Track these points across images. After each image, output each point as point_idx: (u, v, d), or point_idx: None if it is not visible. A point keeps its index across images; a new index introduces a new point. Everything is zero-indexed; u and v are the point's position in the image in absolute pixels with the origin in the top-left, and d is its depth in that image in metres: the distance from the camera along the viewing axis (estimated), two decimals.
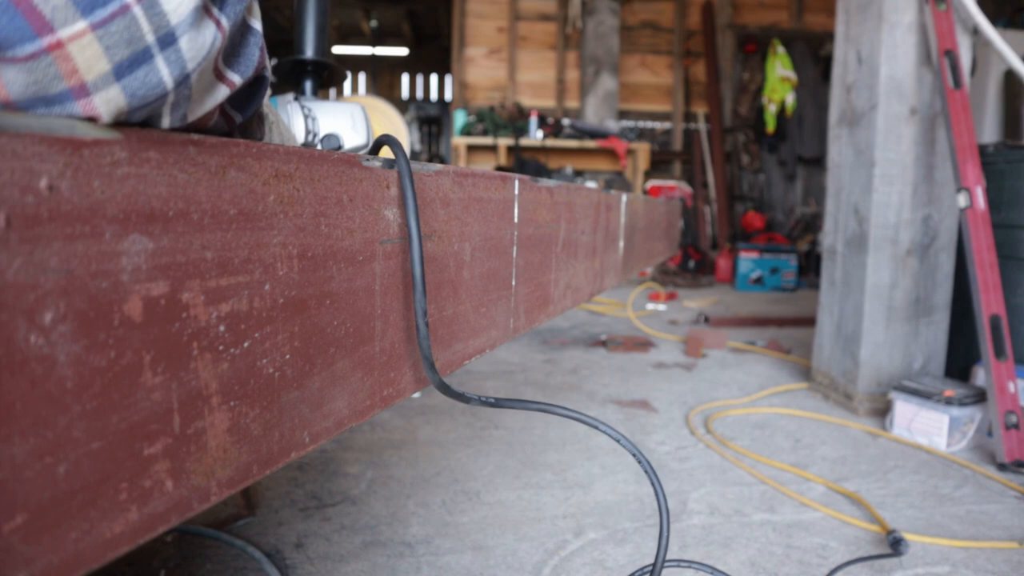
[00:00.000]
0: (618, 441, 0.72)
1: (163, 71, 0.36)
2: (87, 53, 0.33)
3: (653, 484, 0.73)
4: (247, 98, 0.49)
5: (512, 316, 0.88)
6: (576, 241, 1.15)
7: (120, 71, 0.35)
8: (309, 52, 1.03)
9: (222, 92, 0.43)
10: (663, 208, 2.30)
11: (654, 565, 0.77)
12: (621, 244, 1.53)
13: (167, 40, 0.35)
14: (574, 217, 1.13)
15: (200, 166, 0.39)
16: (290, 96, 0.96)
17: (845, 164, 2.33)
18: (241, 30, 0.44)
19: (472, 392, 0.70)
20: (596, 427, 0.72)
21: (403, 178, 0.57)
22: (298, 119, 0.91)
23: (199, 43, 0.37)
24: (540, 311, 0.99)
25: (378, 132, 1.05)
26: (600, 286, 1.36)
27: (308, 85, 1.03)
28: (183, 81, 0.37)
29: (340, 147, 0.93)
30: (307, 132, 0.92)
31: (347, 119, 0.95)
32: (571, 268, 1.13)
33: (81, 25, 0.33)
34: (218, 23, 0.39)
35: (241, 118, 0.48)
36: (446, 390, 0.63)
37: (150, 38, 0.35)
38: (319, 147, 0.93)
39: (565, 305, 1.12)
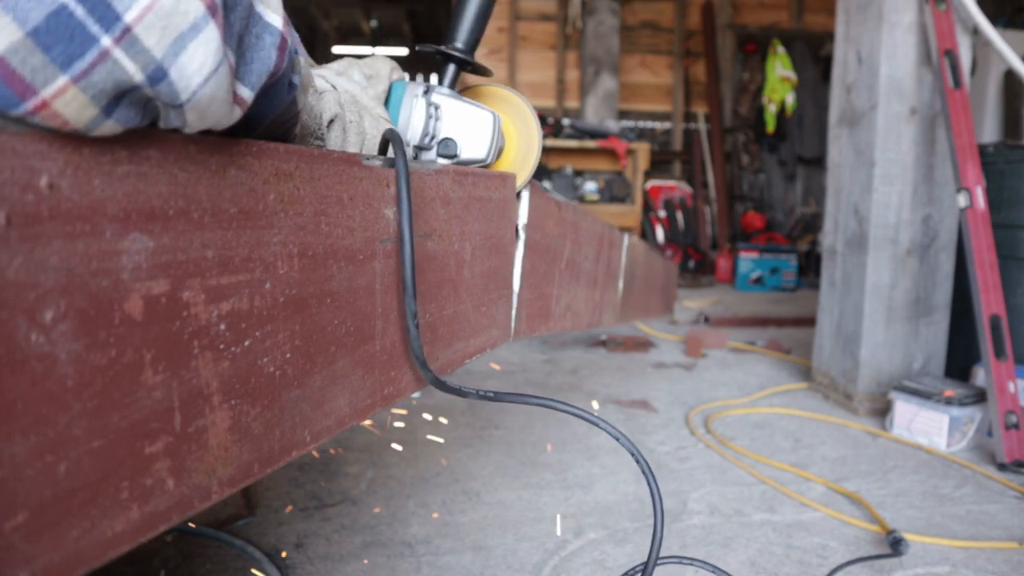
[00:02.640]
0: (617, 439, 0.72)
1: (151, 98, 0.36)
2: (73, 106, 0.33)
3: (648, 479, 0.73)
4: (262, 104, 0.46)
5: (514, 316, 0.88)
6: (579, 264, 1.15)
7: (109, 109, 0.34)
8: (458, 43, 0.91)
9: (234, 113, 0.41)
10: (661, 264, 2.31)
11: (646, 563, 0.77)
12: (620, 284, 1.53)
13: (157, 75, 0.35)
14: (579, 239, 1.13)
15: (200, 164, 0.39)
16: (421, 88, 0.85)
17: (845, 164, 2.33)
18: (250, 28, 0.42)
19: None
20: (596, 423, 0.72)
21: (399, 180, 0.57)
22: (419, 116, 0.83)
23: (196, 69, 0.36)
24: (540, 321, 0.99)
25: (510, 136, 0.94)
26: (598, 319, 1.36)
27: (448, 78, 0.91)
28: (175, 107, 0.37)
29: (455, 155, 0.84)
30: (424, 134, 0.83)
31: (473, 128, 0.86)
32: (572, 290, 1.13)
33: (62, 81, 0.32)
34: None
35: (253, 123, 0.47)
36: (441, 385, 0.63)
37: (138, 77, 0.34)
38: (434, 150, 0.84)
39: (564, 325, 1.12)
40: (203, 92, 0.37)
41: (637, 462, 0.73)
